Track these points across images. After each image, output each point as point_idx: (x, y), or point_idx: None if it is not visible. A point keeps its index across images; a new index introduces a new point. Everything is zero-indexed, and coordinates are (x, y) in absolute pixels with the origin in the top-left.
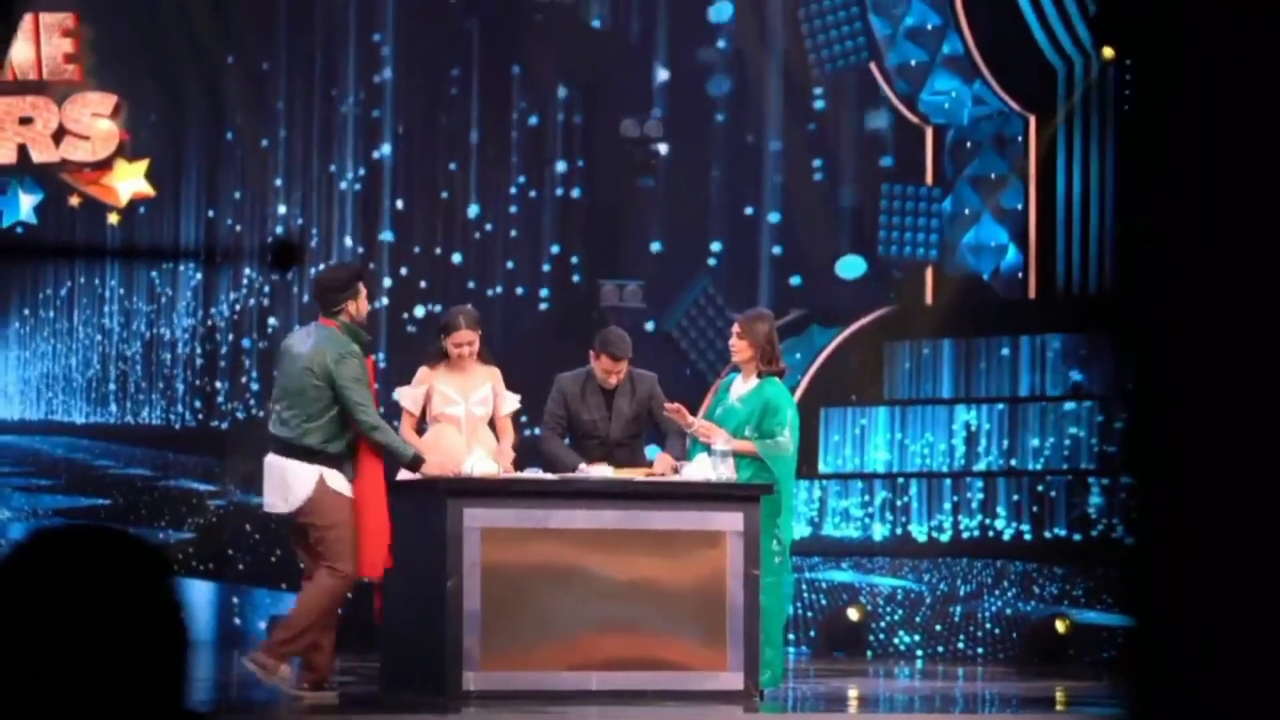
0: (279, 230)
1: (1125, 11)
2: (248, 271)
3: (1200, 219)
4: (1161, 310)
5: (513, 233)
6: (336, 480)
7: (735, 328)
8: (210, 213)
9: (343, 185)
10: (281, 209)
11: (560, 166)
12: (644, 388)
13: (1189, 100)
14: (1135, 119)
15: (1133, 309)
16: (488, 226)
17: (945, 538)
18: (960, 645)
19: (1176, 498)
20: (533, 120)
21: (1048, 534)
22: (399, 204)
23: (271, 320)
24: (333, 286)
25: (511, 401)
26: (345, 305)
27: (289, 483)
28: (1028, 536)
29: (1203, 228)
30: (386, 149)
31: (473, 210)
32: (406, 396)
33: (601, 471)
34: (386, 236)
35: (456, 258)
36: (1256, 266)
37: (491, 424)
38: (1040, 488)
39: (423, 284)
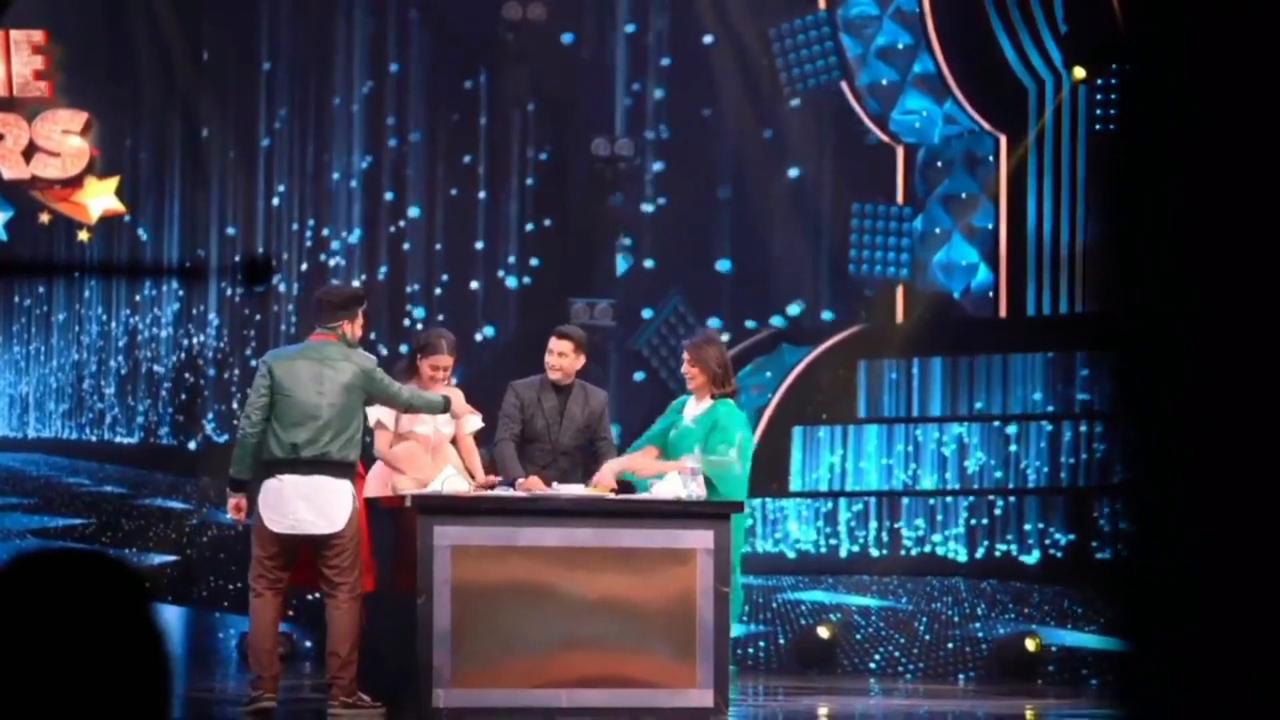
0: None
1: (1096, 32)
2: (225, 288)
3: (1197, 232)
4: (1162, 325)
5: (479, 246)
6: (355, 496)
7: (685, 355)
8: (179, 229)
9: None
10: (255, 223)
11: (530, 184)
12: (596, 402)
13: (1184, 111)
14: (1128, 133)
15: (1132, 324)
16: (463, 242)
17: (916, 555)
18: (930, 663)
19: (1177, 509)
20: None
21: (1015, 552)
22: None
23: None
24: (335, 303)
25: (474, 421)
26: (342, 324)
27: (334, 502)
28: (981, 554)
29: (1199, 241)
30: (366, 161)
31: (452, 230)
32: (384, 413)
33: (572, 489)
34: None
35: (433, 273)
36: (1254, 277)
37: (454, 443)
38: (1018, 506)
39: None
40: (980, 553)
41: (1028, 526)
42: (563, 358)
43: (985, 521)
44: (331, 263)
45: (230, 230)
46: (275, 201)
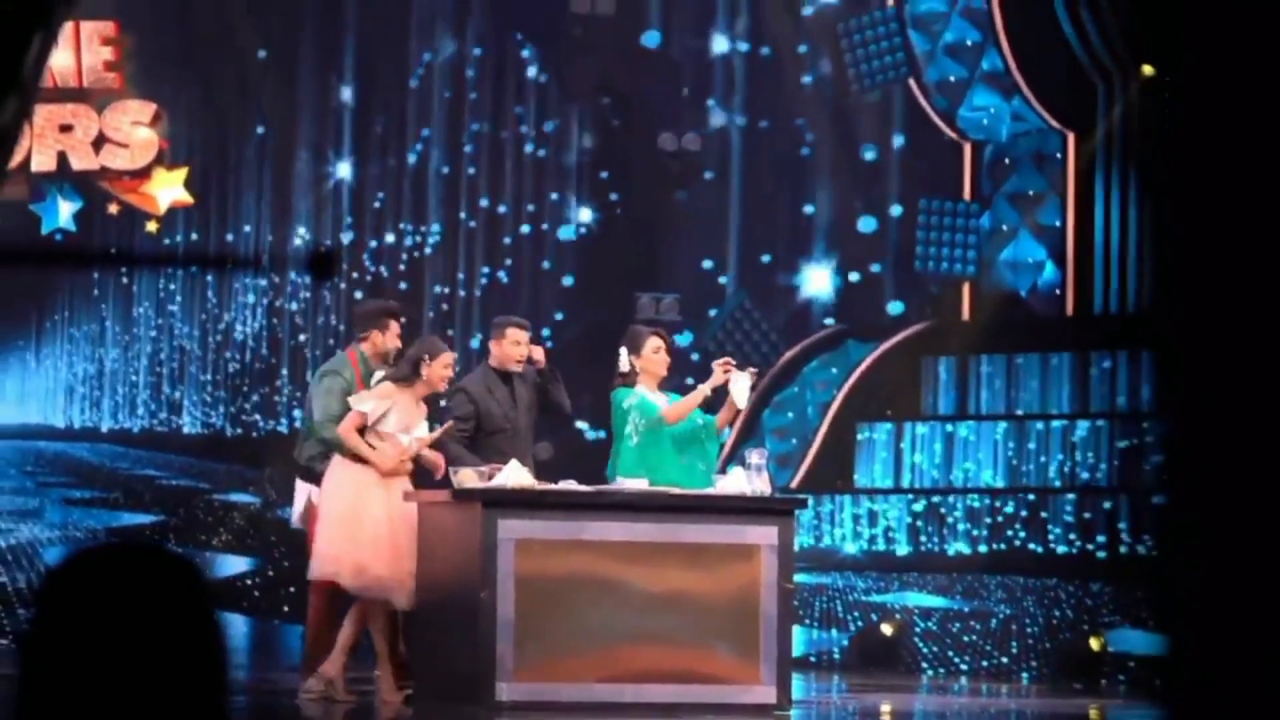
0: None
1: (1164, 28)
2: (300, 279)
3: (1242, 234)
4: (1198, 327)
5: (548, 245)
6: (316, 495)
7: (664, 341)
8: (248, 221)
9: (389, 192)
10: (323, 217)
11: (598, 179)
12: (530, 373)
13: (1224, 114)
14: (1173, 135)
15: (1169, 326)
16: (527, 241)
17: (981, 553)
18: (994, 662)
19: (1210, 512)
20: (569, 132)
21: (1080, 551)
22: (433, 223)
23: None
24: (360, 316)
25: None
26: (370, 336)
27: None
28: (1063, 553)
29: (1245, 244)
30: (411, 156)
31: (519, 225)
32: (367, 401)
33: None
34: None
35: (501, 275)
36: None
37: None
38: (1079, 504)
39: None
40: (1047, 550)
41: (1101, 526)
42: (524, 345)
43: (1061, 520)
44: (401, 255)
45: (300, 222)
46: (343, 192)
